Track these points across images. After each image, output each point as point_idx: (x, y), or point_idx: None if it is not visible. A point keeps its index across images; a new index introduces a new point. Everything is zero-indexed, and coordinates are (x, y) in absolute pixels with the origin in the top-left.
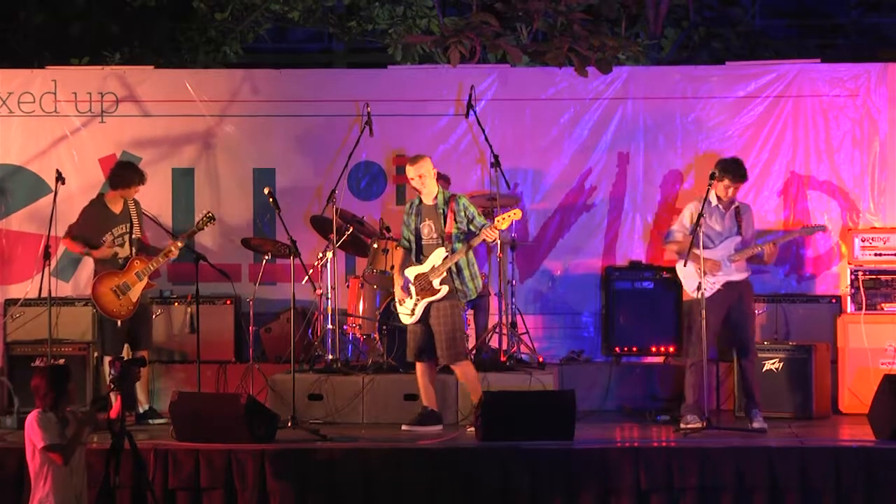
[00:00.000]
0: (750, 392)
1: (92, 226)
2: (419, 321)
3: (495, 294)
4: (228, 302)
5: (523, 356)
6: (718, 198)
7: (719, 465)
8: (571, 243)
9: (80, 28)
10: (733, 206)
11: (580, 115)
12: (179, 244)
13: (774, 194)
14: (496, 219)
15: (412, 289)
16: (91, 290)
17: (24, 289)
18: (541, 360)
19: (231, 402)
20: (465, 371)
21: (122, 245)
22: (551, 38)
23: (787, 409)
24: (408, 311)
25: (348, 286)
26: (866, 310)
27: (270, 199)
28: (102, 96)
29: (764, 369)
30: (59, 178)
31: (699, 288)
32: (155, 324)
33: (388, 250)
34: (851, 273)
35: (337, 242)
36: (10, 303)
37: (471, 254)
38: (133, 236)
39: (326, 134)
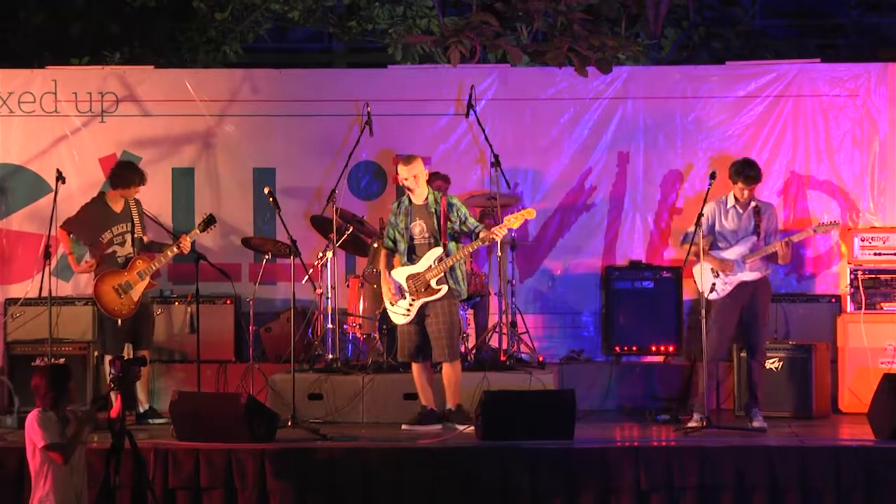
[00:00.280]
0: (752, 391)
1: (91, 223)
2: (413, 321)
3: (495, 294)
4: (228, 301)
5: (523, 356)
6: (735, 198)
7: (719, 464)
8: (571, 243)
9: (80, 28)
10: (751, 206)
11: (580, 115)
12: (188, 240)
13: (774, 194)
14: (507, 218)
15: (405, 289)
16: (93, 289)
17: (25, 288)
18: (541, 359)
19: (231, 401)
20: (455, 371)
21: (121, 244)
22: (551, 38)
23: (787, 409)
24: (402, 311)
25: (348, 286)
26: (866, 309)
27: (270, 199)
28: (102, 96)
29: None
30: (60, 177)
31: (713, 289)
32: (155, 323)
33: None
34: (851, 272)
35: (337, 242)
36: (11, 302)
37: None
38: (135, 236)
39: (326, 134)
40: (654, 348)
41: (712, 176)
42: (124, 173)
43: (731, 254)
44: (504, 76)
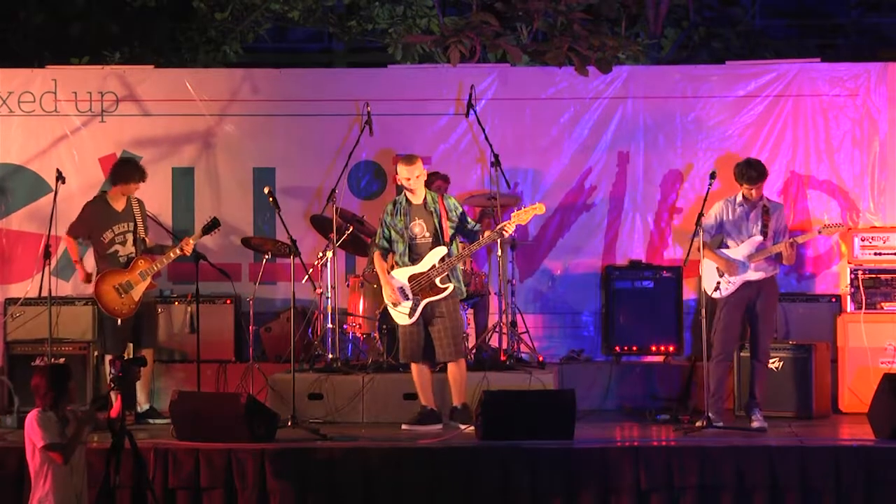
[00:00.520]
0: (753, 391)
1: (92, 222)
2: (416, 321)
3: (495, 293)
4: (228, 301)
5: (523, 355)
6: (744, 197)
7: (719, 464)
8: (571, 243)
9: (80, 28)
10: (760, 205)
11: (580, 115)
12: (191, 243)
13: (774, 194)
14: (516, 213)
15: (408, 290)
16: (93, 288)
17: (25, 288)
18: (541, 359)
19: (231, 401)
20: (461, 369)
21: (122, 243)
22: (551, 37)
23: (788, 409)
24: (405, 312)
25: (348, 285)
26: (866, 309)
27: (270, 199)
28: (102, 96)
29: None
30: (60, 177)
31: (717, 287)
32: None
33: None
34: (851, 272)
35: (337, 242)
36: (11, 302)
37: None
38: (138, 236)
39: (326, 133)
40: (654, 348)
41: (712, 176)
42: (123, 169)
43: (737, 253)
44: (504, 76)
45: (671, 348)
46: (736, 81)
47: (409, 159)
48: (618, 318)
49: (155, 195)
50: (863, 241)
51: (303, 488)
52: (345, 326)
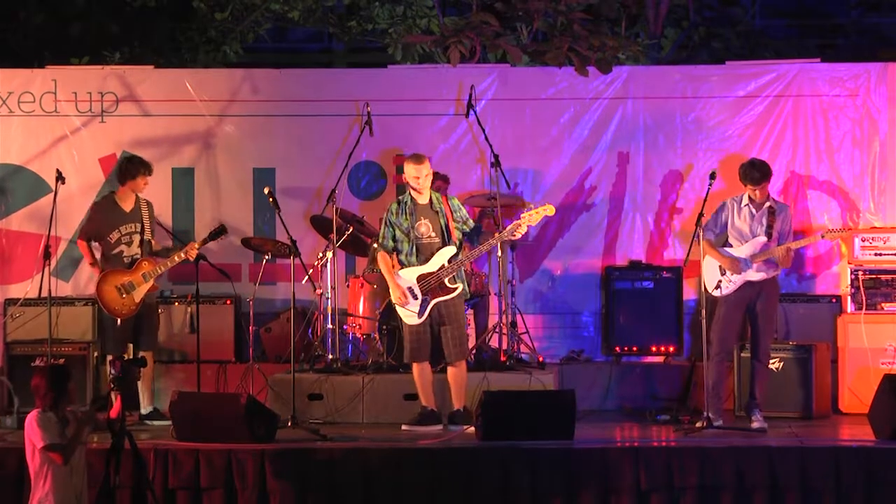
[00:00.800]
0: (753, 391)
1: (100, 222)
2: (424, 321)
3: (495, 294)
4: (228, 302)
5: (523, 356)
6: (750, 198)
7: (719, 464)
8: (571, 243)
9: (80, 28)
10: (766, 206)
11: (580, 115)
12: (196, 249)
13: (774, 194)
14: (525, 213)
15: (417, 290)
16: (95, 286)
17: (24, 288)
18: (541, 359)
19: (231, 401)
20: (462, 372)
21: (128, 244)
22: (551, 37)
23: (788, 409)
24: (414, 311)
25: (348, 286)
26: (866, 309)
27: (270, 199)
28: (102, 96)
29: None
30: (60, 177)
31: (718, 286)
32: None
33: None
34: (851, 273)
35: (337, 242)
36: (10, 302)
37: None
38: (144, 238)
39: (326, 134)
40: (654, 348)
41: (712, 176)
42: (129, 166)
43: (740, 252)
44: (504, 76)
45: (671, 349)
46: (736, 81)
47: (418, 158)
48: (618, 319)
49: (155, 196)
50: (863, 241)
51: (303, 489)
52: (345, 327)
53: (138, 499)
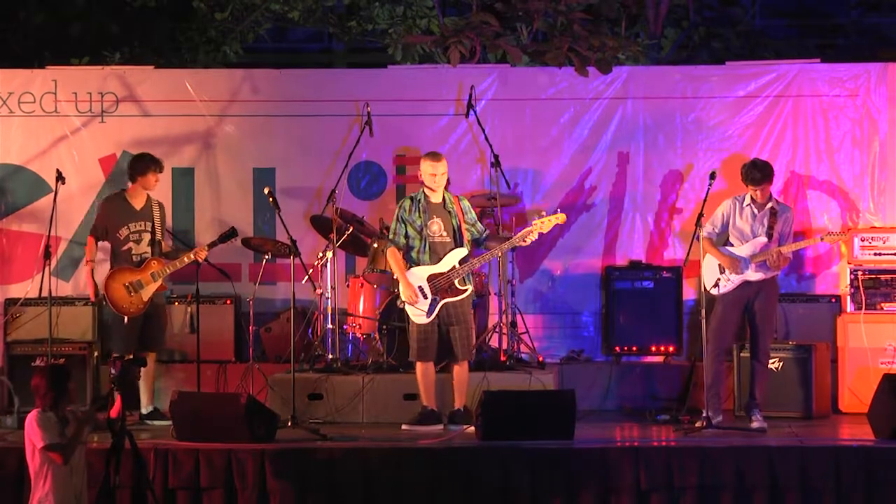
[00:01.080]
0: (753, 391)
1: (108, 218)
2: (433, 321)
3: (495, 294)
4: (228, 302)
5: (523, 356)
6: (753, 198)
7: (719, 464)
8: (571, 243)
9: (80, 28)
10: (768, 207)
11: (580, 115)
12: (206, 251)
13: (774, 194)
14: (538, 221)
15: (427, 289)
16: (103, 283)
17: (25, 288)
18: (541, 359)
19: (231, 401)
20: (466, 371)
21: (137, 242)
22: (551, 38)
23: (787, 409)
24: (423, 310)
25: (348, 286)
26: (866, 309)
27: (270, 199)
28: (102, 96)
29: None
30: (60, 177)
31: (716, 284)
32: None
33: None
34: (851, 273)
35: (337, 242)
36: (11, 302)
37: None
38: (155, 237)
39: (326, 134)
40: (654, 348)
41: (712, 176)
42: (139, 163)
43: (741, 252)
44: (504, 76)
45: (671, 348)
46: (736, 82)
47: (435, 156)
48: (618, 319)
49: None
50: (863, 241)
51: (303, 488)
52: (345, 327)
53: (138, 499)
